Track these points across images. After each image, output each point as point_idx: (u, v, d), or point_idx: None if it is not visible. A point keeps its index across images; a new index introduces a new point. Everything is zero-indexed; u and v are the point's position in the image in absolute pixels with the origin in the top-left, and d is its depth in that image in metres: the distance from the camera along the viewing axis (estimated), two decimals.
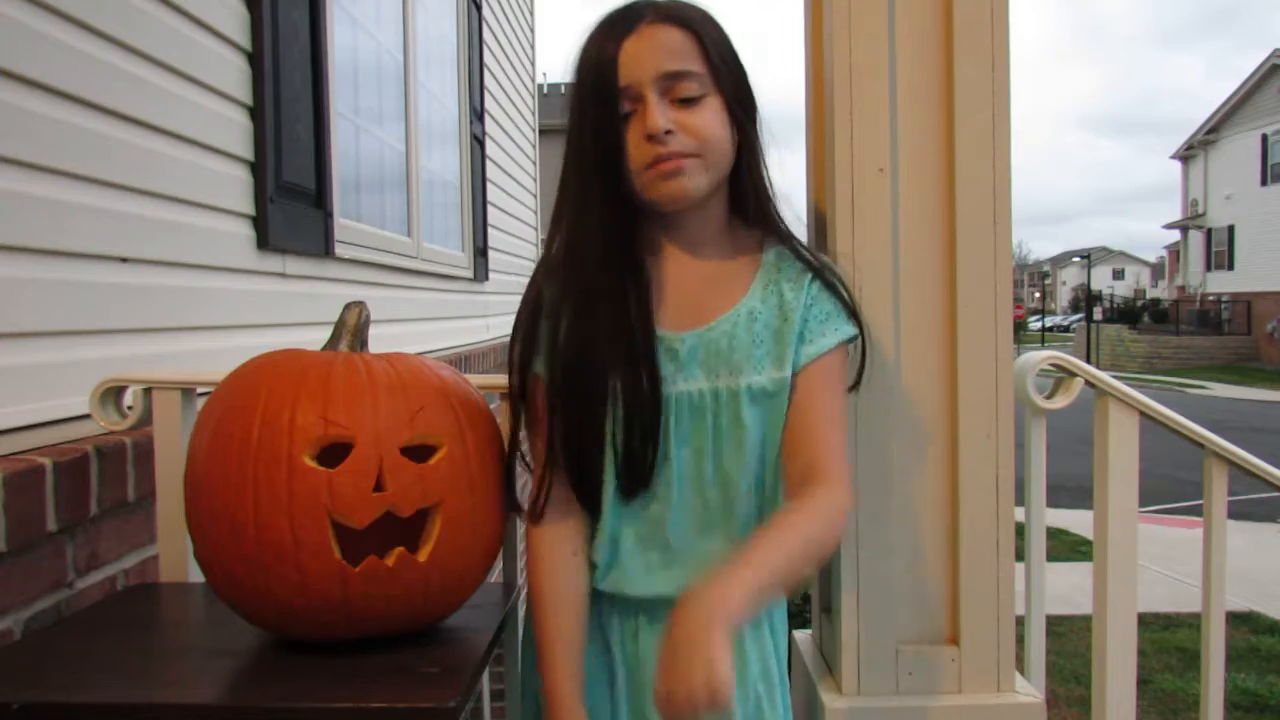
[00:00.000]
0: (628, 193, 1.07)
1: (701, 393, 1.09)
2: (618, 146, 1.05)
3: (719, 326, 1.10)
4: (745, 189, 1.13)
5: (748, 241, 1.15)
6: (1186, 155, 28.71)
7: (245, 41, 2.01)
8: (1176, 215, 29.78)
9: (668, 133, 1.03)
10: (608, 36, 1.06)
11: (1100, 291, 40.69)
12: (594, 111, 1.06)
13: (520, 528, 1.43)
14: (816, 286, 1.12)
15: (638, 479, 1.08)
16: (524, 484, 1.18)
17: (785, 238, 1.15)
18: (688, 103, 1.05)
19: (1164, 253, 45.38)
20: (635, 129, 1.05)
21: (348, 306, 1.15)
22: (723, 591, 0.89)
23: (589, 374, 1.06)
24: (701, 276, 1.12)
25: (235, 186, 1.96)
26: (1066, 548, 6.56)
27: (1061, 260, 72.11)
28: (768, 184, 1.14)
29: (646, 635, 1.14)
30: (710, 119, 1.06)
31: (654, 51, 1.04)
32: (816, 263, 1.14)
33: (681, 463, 1.10)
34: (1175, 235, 32.19)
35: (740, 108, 1.09)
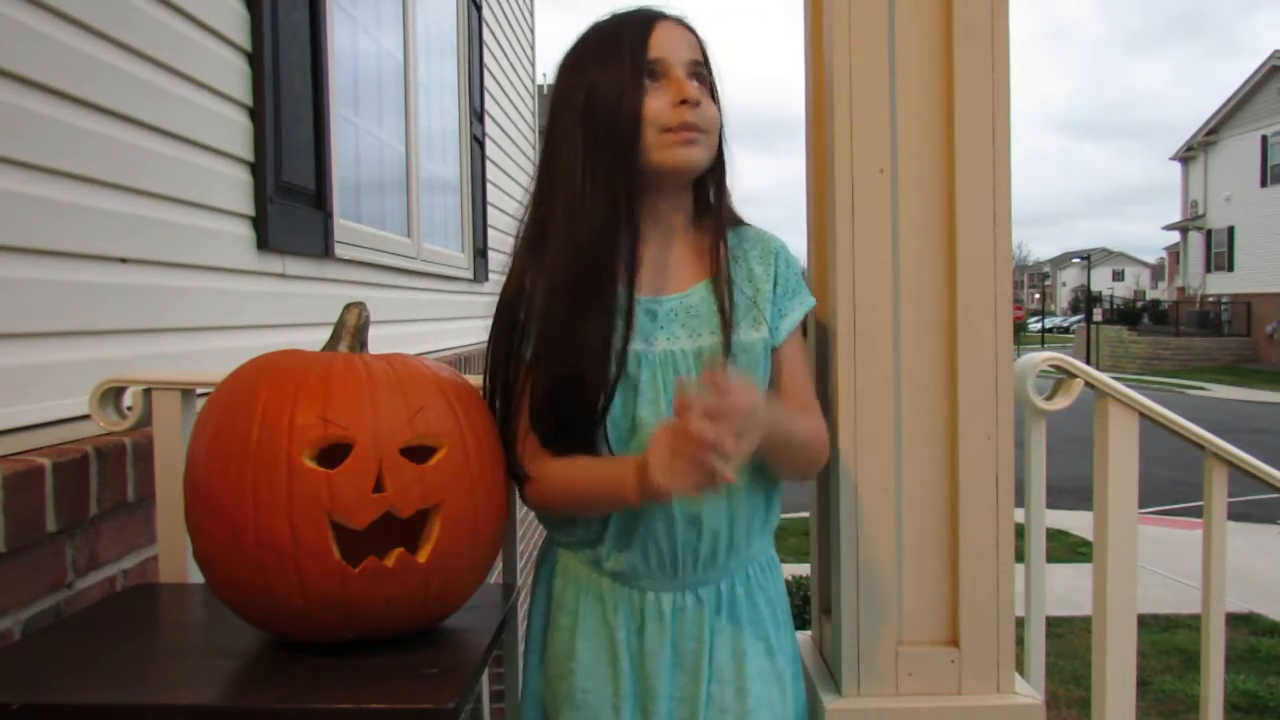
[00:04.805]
0: (632, 160, 1.13)
1: (685, 351, 1.16)
2: (635, 110, 1.12)
3: (697, 292, 1.19)
4: (708, 183, 1.23)
5: (711, 225, 1.24)
6: (1186, 157, 28.72)
7: (245, 42, 2.01)
8: (1167, 217, 29.84)
9: (697, 104, 1.14)
10: (634, 17, 1.16)
11: (1100, 293, 40.65)
12: (617, 74, 1.13)
13: (520, 529, 1.44)
14: (781, 263, 1.25)
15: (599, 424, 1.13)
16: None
17: (741, 223, 1.27)
18: (701, 90, 1.16)
19: (1164, 254, 45.37)
20: (660, 95, 1.14)
21: (347, 307, 1.15)
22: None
23: (577, 338, 1.11)
24: (675, 250, 1.22)
25: (235, 187, 1.96)
26: (1066, 549, 6.56)
27: (1061, 261, 72.13)
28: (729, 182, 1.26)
29: (653, 628, 1.15)
30: (714, 110, 1.19)
31: (684, 39, 1.17)
32: (774, 241, 1.26)
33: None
34: (1175, 236, 32.20)
35: (720, 114, 1.21)
